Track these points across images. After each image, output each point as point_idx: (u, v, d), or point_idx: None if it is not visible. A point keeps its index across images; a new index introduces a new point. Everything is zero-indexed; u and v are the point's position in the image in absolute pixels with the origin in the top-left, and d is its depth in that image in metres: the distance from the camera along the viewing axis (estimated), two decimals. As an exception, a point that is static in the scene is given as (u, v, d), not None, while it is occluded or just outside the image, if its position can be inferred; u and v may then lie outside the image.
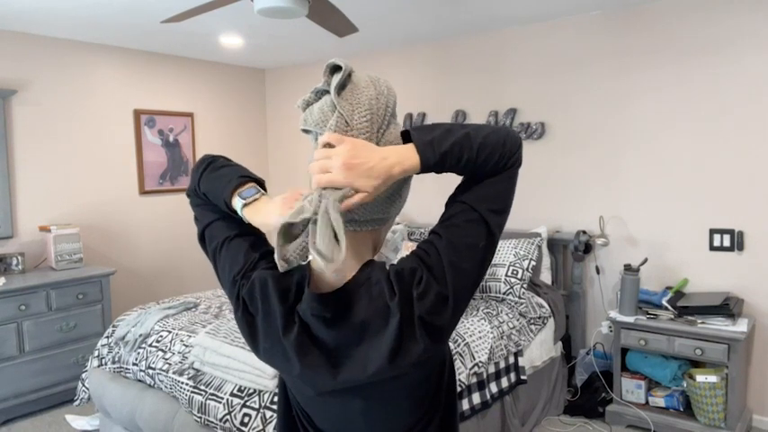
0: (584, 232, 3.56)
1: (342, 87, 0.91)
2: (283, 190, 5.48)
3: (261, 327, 0.95)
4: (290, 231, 0.85)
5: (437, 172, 0.92)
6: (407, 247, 3.60)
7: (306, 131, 0.95)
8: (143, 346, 2.85)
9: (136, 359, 2.82)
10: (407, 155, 0.89)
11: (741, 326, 2.92)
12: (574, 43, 3.67)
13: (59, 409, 3.58)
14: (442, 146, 0.89)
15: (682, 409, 3.11)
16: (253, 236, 1.03)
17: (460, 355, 2.65)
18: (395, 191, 0.96)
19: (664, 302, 3.13)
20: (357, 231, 0.95)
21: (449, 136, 0.90)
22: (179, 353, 2.67)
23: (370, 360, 0.90)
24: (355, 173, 0.84)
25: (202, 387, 2.42)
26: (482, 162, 0.92)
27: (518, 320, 3.15)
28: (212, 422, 2.31)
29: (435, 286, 0.89)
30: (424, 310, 0.88)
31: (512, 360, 2.98)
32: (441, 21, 3.74)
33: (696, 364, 3.14)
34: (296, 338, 0.92)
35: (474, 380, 2.68)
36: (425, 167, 0.90)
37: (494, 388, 2.81)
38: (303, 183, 5.24)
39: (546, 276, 3.64)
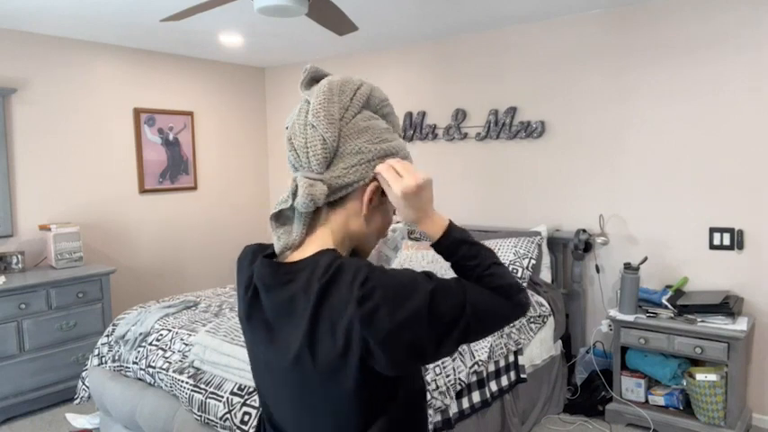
0: (584, 231, 3.56)
1: (310, 86, 1.00)
2: (283, 188, 5.49)
3: (240, 295, 1.03)
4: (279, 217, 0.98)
5: (446, 256, 0.97)
6: (407, 247, 3.60)
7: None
8: (143, 344, 2.85)
9: (136, 358, 2.82)
10: (438, 222, 0.98)
11: (741, 324, 2.92)
12: (574, 41, 3.66)
13: (59, 408, 3.58)
14: (466, 236, 0.97)
15: (681, 408, 3.11)
16: None
17: (460, 353, 2.65)
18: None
19: (663, 301, 3.13)
20: (326, 211, 0.98)
21: (476, 240, 0.98)
22: (179, 351, 2.67)
23: (292, 340, 0.90)
24: (415, 199, 0.95)
25: (202, 385, 2.42)
26: (486, 275, 0.94)
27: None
28: (212, 420, 2.31)
29: (380, 296, 0.84)
30: (360, 314, 0.83)
31: (511, 359, 2.98)
32: (441, 19, 3.74)
33: (696, 362, 3.15)
34: (249, 299, 0.98)
35: (474, 378, 2.68)
36: (442, 238, 0.97)
37: (494, 386, 2.81)
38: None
39: (546, 275, 3.64)
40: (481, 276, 0.94)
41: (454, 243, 0.96)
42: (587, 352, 3.57)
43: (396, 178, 0.94)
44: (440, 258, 3.33)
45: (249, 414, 2.21)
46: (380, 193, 0.98)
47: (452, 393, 2.51)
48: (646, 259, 3.29)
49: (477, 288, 0.92)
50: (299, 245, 0.97)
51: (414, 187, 0.93)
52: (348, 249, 1.00)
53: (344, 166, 0.94)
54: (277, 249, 0.97)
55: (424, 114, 4.40)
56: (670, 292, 3.19)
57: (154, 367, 2.69)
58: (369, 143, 0.96)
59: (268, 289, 0.94)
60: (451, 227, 0.98)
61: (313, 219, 0.97)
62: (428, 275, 0.91)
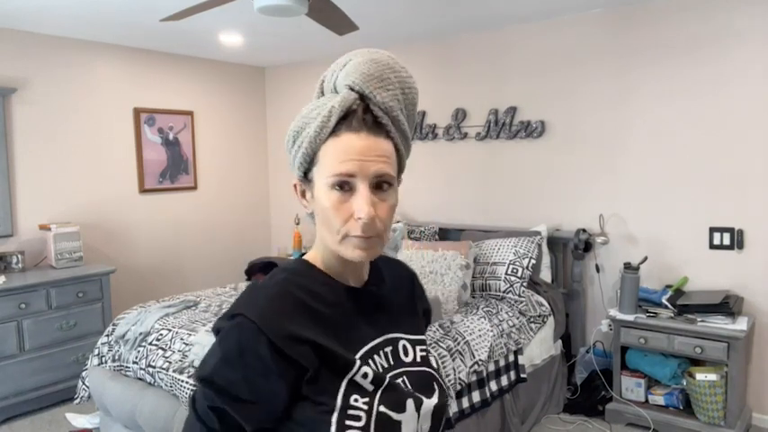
0: (584, 230, 3.56)
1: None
2: (283, 188, 5.49)
3: None
4: None
5: None
6: (407, 246, 3.60)
7: None
8: (143, 344, 2.85)
9: (136, 357, 2.82)
10: None
11: (741, 324, 2.92)
12: (574, 41, 3.66)
13: (59, 408, 3.58)
14: None
15: (681, 408, 3.11)
16: None
17: (460, 353, 2.65)
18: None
19: (663, 301, 3.13)
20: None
21: None
22: (179, 351, 2.67)
23: None
24: None
25: (202, 385, 2.42)
26: None
27: (518, 319, 3.15)
28: (212, 420, 2.31)
29: (210, 352, 0.87)
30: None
31: (511, 358, 2.99)
32: (441, 19, 3.74)
33: (696, 362, 3.14)
34: None
35: (474, 378, 2.68)
36: None
37: (494, 386, 2.81)
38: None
39: (546, 275, 3.64)
40: None
41: None
42: (587, 351, 3.57)
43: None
44: (439, 258, 3.33)
45: (249, 414, 2.21)
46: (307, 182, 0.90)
47: (452, 393, 2.51)
48: (646, 259, 3.29)
49: None
50: None
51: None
52: (329, 253, 0.92)
53: None
54: None
55: (423, 114, 4.40)
56: (670, 292, 3.19)
57: (154, 367, 2.69)
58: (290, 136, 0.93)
59: None
60: None
61: None
62: (230, 388, 0.82)
